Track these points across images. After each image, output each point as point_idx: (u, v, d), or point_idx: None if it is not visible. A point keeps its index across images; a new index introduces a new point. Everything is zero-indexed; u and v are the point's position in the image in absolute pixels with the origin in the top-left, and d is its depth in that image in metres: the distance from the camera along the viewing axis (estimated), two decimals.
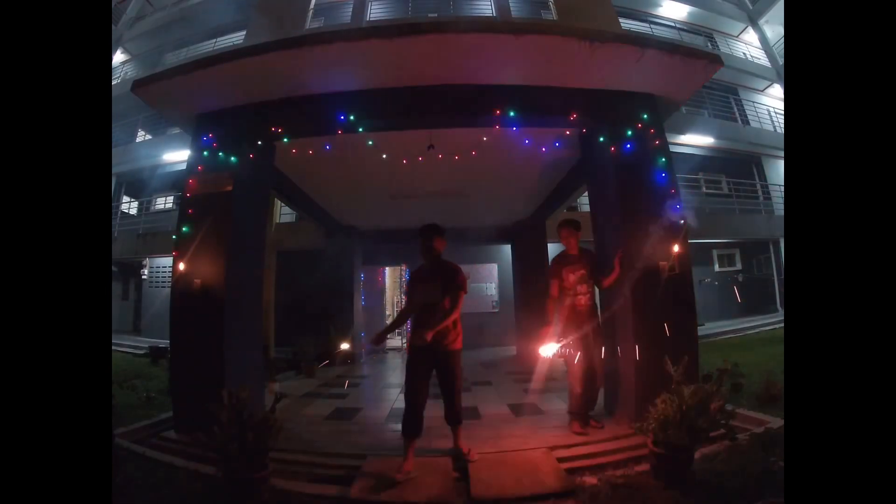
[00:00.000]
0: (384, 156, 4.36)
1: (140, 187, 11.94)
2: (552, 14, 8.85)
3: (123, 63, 14.06)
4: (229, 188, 3.61)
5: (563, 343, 3.30)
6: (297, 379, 6.06)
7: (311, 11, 9.29)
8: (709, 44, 13.30)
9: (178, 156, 10.99)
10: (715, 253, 11.75)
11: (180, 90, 3.62)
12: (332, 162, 4.63)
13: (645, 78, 3.56)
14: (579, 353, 3.24)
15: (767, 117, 12.79)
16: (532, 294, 7.47)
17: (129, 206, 12.98)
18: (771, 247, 11.34)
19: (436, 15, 9.27)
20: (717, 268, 11.77)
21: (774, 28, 13.63)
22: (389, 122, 3.78)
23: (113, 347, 7.74)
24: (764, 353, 6.03)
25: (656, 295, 3.29)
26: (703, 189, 11.70)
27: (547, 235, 7.71)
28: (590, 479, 2.51)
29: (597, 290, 3.57)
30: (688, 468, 2.35)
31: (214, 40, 12.35)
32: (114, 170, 11.59)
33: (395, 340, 10.62)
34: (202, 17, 12.60)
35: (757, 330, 9.06)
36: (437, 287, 2.80)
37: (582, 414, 3.32)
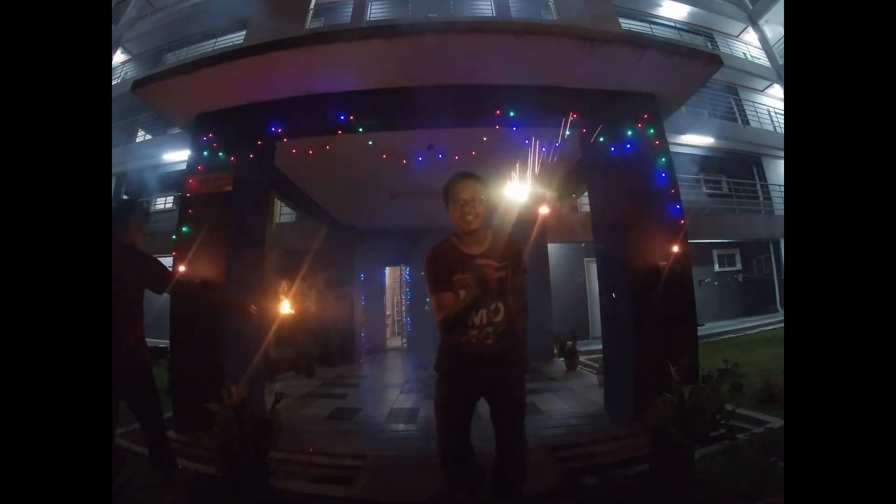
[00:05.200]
0: (384, 156, 4.36)
1: (140, 187, 11.94)
2: (552, 14, 8.84)
3: (123, 63, 14.04)
4: (229, 188, 3.62)
5: None
6: (297, 379, 6.05)
7: (311, 11, 9.27)
8: (709, 44, 13.28)
9: (178, 156, 10.97)
10: (715, 253, 11.75)
11: (180, 90, 3.62)
12: (332, 162, 4.63)
13: (645, 78, 3.56)
14: None
15: (767, 117, 12.78)
16: (532, 294, 7.46)
17: None
18: (771, 247, 11.34)
19: (436, 15, 9.26)
20: (717, 268, 11.77)
21: (774, 28, 13.60)
22: (389, 122, 3.78)
23: None
24: (764, 353, 6.02)
25: (656, 295, 3.29)
26: (703, 189, 11.70)
27: (546, 236, 7.71)
28: (590, 480, 2.51)
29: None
30: (688, 468, 2.35)
31: (214, 40, 12.33)
32: (114, 170, 11.57)
33: (395, 340, 10.61)
34: (202, 17, 12.57)
35: (757, 330, 9.05)
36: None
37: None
